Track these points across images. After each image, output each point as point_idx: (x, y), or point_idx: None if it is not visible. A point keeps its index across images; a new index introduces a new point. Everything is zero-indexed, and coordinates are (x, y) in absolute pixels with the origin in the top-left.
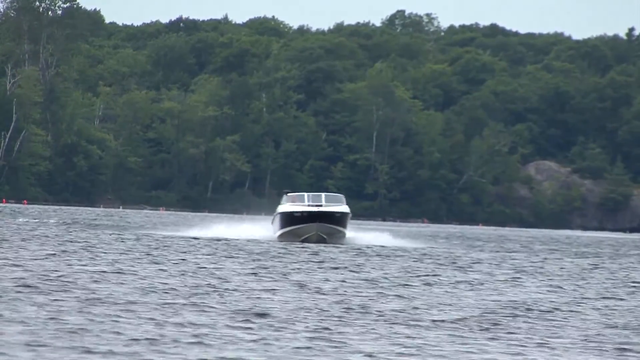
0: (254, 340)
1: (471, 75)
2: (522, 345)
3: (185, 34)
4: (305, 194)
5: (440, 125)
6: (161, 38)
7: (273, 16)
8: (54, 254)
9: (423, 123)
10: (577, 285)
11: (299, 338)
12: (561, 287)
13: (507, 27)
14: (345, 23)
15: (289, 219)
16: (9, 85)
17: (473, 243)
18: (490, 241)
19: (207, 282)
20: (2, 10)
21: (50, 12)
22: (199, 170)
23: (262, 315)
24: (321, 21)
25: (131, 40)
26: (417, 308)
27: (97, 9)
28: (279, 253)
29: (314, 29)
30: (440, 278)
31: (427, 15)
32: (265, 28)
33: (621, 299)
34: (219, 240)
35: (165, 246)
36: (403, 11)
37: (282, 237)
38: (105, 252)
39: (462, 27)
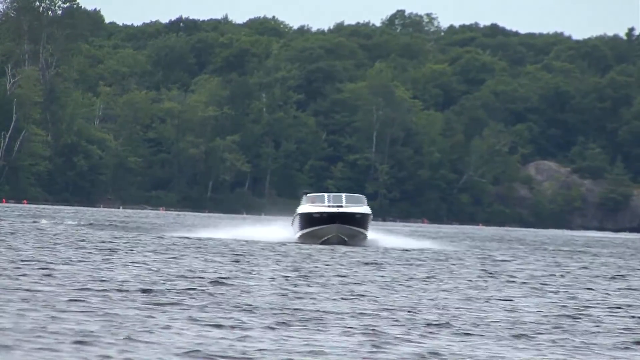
0: None
1: (471, 75)
2: None
3: (185, 34)
4: (326, 195)
5: (440, 125)
6: (161, 38)
7: (273, 16)
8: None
9: (423, 123)
10: None
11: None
12: None
13: (507, 27)
14: (345, 23)
15: (308, 220)
16: (9, 85)
17: (513, 245)
18: (524, 243)
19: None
20: (2, 10)
21: (50, 12)
22: (199, 170)
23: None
24: (321, 21)
25: (131, 40)
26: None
27: (97, 9)
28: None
29: (314, 29)
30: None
31: (427, 15)
32: (265, 28)
33: None
34: (257, 242)
35: (238, 252)
36: (403, 11)
37: (302, 239)
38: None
39: (462, 27)
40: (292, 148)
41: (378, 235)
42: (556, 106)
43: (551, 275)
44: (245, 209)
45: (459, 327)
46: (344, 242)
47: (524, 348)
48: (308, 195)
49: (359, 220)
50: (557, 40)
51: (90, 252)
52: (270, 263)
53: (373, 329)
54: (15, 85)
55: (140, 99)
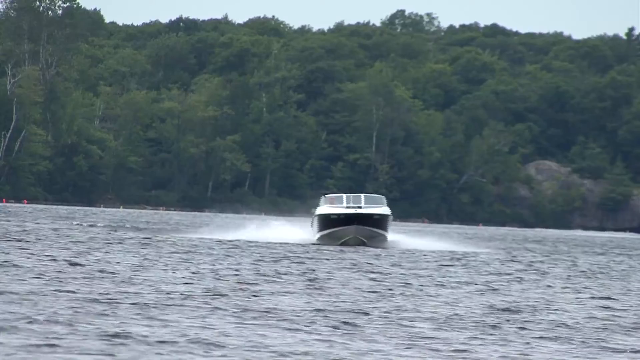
0: None
1: (471, 75)
2: None
3: (185, 34)
4: (344, 195)
5: (440, 125)
6: (161, 38)
7: (273, 16)
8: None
9: (423, 123)
10: None
11: None
12: None
13: (507, 27)
14: (345, 23)
15: (326, 221)
16: (9, 85)
17: (557, 248)
18: (556, 243)
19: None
20: (2, 10)
21: (50, 12)
22: (199, 170)
23: None
24: (321, 21)
25: (131, 40)
26: None
27: (97, 9)
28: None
29: (314, 29)
30: None
31: (428, 15)
32: (266, 28)
33: None
34: (283, 243)
35: (282, 255)
36: (403, 11)
37: (321, 240)
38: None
39: (462, 26)
40: (292, 148)
41: (399, 236)
42: (556, 106)
43: None
44: (245, 208)
45: None
46: (363, 244)
47: None
48: (326, 196)
49: (377, 222)
50: (557, 40)
51: (188, 261)
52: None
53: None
54: (15, 85)
55: (140, 99)
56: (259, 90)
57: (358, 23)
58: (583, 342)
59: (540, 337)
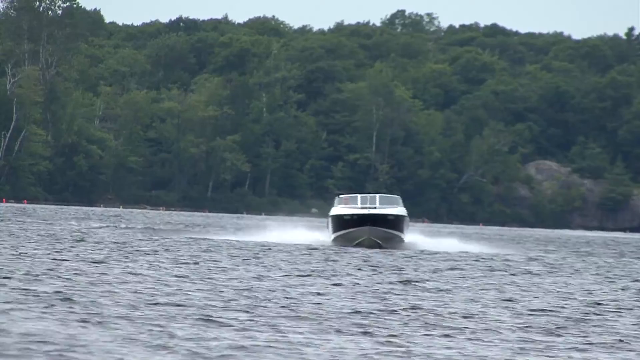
0: None
1: (471, 75)
2: None
3: (185, 34)
4: (359, 196)
5: (440, 125)
6: (161, 38)
7: (273, 16)
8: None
9: (423, 123)
10: None
11: None
12: None
13: (508, 27)
14: (345, 23)
15: (339, 222)
16: (9, 85)
17: (580, 249)
18: (574, 244)
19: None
20: (2, 10)
21: (50, 12)
22: (199, 170)
23: None
24: (321, 21)
25: (131, 40)
26: None
27: (97, 9)
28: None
29: (314, 29)
30: None
31: (428, 15)
32: (266, 28)
33: None
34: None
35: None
36: (403, 11)
37: (335, 242)
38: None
39: (462, 26)
40: (292, 148)
41: (416, 237)
42: (556, 106)
43: None
44: (245, 208)
45: None
46: (377, 246)
47: None
48: (341, 196)
49: (391, 222)
50: (557, 40)
51: (257, 266)
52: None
53: None
54: (15, 85)
55: (140, 99)
56: (259, 90)
57: (358, 23)
58: None
59: None
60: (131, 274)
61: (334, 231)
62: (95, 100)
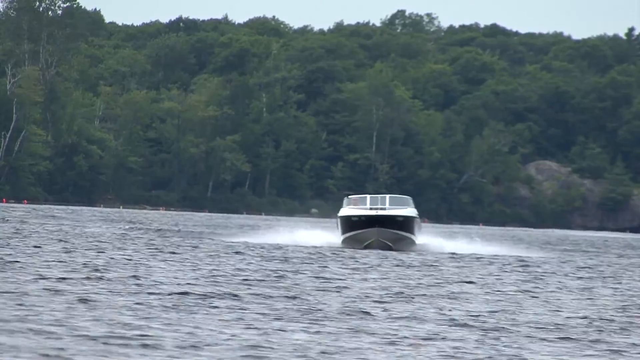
0: None
1: (471, 75)
2: None
3: (185, 34)
4: (368, 196)
5: (440, 125)
6: (161, 38)
7: (273, 16)
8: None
9: (423, 123)
10: None
11: None
12: None
13: (507, 27)
14: (345, 23)
15: (348, 223)
16: (9, 85)
17: (608, 250)
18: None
19: None
20: (2, 10)
21: (50, 12)
22: (199, 170)
23: None
24: (321, 21)
25: (131, 40)
26: None
27: (97, 9)
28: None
29: (314, 29)
30: None
31: (428, 15)
32: (266, 28)
33: None
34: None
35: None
36: (404, 11)
37: (345, 243)
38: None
39: (462, 26)
40: (292, 148)
41: (429, 238)
42: (556, 106)
43: None
44: (245, 208)
45: None
46: (388, 247)
47: None
48: (350, 197)
49: (401, 224)
50: (557, 40)
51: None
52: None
53: None
54: (15, 85)
55: (140, 99)
56: (259, 90)
57: (358, 23)
58: None
59: None
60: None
61: (343, 232)
62: (95, 100)
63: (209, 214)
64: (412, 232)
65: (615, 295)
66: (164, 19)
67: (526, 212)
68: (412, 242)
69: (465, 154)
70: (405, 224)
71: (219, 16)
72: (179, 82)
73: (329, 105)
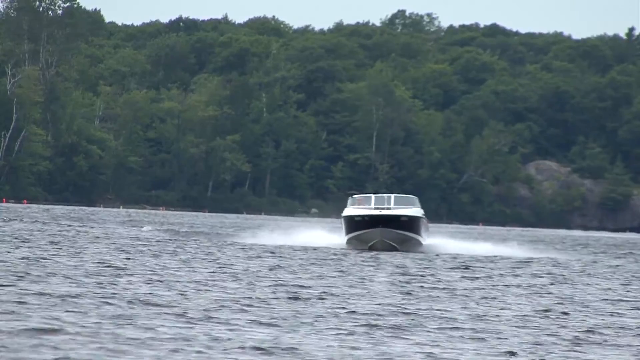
0: None
1: (471, 75)
2: None
3: (185, 34)
4: (373, 196)
5: (440, 125)
6: (161, 38)
7: (273, 16)
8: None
9: (423, 123)
10: None
11: None
12: None
13: (508, 27)
14: (345, 23)
15: (351, 223)
16: (9, 85)
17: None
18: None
19: None
20: (2, 10)
21: (50, 12)
22: (199, 170)
23: None
24: (321, 21)
25: (131, 40)
26: None
27: (97, 9)
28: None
29: (314, 28)
30: None
31: (428, 15)
32: (266, 28)
33: None
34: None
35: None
36: (404, 11)
37: (349, 244)
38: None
39: (462, 26)
40: (292, 148)
41: (437, 239)
42: (556, 106)
43: None
44: (245, 208)
45: None
46: (393, 248)
47: None
48: (354, 196)
49: (405, 224)
50: (557, 40)
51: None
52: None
53: None
54: (15, 85)
55: (140, 99)
56: (259, 90)
57: (358, 23)
58: None
59: None
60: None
61: (347, 233)
62: (95, 100)
63: (211, 213)
64: (417, 233)
65: None
66: (164, 19)
67: (526, 212)
68: (419, 243)
69: (465, 154)
70: (410, 224)
71: (219, 16)
72: (179, 82)
73: (329, 105)
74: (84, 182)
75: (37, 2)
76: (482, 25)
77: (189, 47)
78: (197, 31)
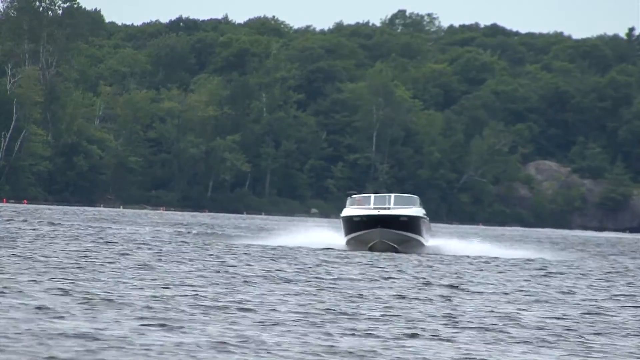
0: None
1: (471, 75)
2: None
3: (185, 34)
4: (372, 196)
5: (440, 125)
6: (161, 38)
7: (273, 16)
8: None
9: (423, 123)
10: None
11: None
12: None
13: (508, 27)
14: (345, 23)
15: (350, 224)
16: (9, 85)
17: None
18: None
19: None
20: (2, 10)
21: (50, 12)
22: (199, 170)
23: None
24: (321, 21)
25: (131, 40)
26: None
27: (97, 9)
28: None
29: (315, 29)
30: None
31: (428, 15)
32: (266, 28)
33: None
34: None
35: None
36: (404, 11)
37: (348, 245)
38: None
39: (462, 26)
40: (292, 148)
41: (442, 240)
42: (556, 106)
43: None
44: (245, 208)
45: None
46: (393, 250)
47: None
48: (353, 196)
49: (405, 225)
50: (557, 40)
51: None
52: None
53: None
54: (15, 85)
55: (140, 99)
56: (259, 90)
57: (358, 23)
58: None
59: None
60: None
61: (346, 234)
62: (95, 100)
63: (212, 213)
64: (418, 233)
65: None
66: (164, 19)
67: (526, 212)
68: (420, 244)
69: (465, 154)
70: (409, 224)
71: (219, 16)
72: (179, 82)
73: (329, 105)
74: (84, 182)
75: (37, 2)
76: (482, 25)
77: (189, 47)
78: (197, 31)
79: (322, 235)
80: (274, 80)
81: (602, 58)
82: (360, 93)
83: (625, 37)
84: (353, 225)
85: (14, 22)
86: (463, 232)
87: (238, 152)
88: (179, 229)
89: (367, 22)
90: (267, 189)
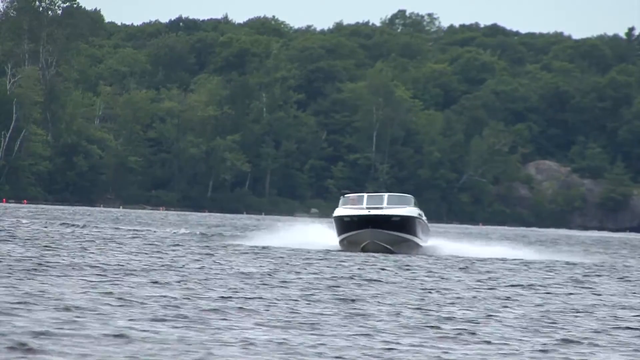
0: None
1: (471, 75)
2: None
3: (185, 34)
4: (365, 195)
5: (440, 125)
6: (161, 38)
7: (273, 16)
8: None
9: (423, 123)
10: None
11: None
12: None
13: (508, 27)
14: (345, 23)
15: (341, 224)
16: (9, 85)
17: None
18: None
19: None
20: (2, 10)
21: (50, 12)
22: (199, 170)
23: None
24: (321, 21)
25: (131, 39)
26: None
27: (97, 9)
28: None
29: (315, 29)
30: None
31: (429, 15)
32: (266, 28)
33: None
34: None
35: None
36: (404, 11)
37: (341, 245)
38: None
39: (462, 26)
40: (292, 148)
41: (439, 241)
42: (556, 106)
43: None
44: (245, 208)
45: None
46: (387, 251)
47: None
48: (346, 195)
49: (398, 225)
50: (557, 40)
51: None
52: None
53: None
54: (15, 85)
55: (140, 99)
56: (259, 90)
57: (358, 23)
58: None
59: None
60: None
61: (338, 234)
62: (95, 100)
63: (213, 213)
64: (413, 234)
65: None
66: (164, 19)
67: (526, 212)
68: (415, 245)
69: (465, 153)
70: (402, 224)
71: (219, 16)
72: (179, 82)
73: (329, 105)
74: (84, 182)
75: (37, 2)
76: (482, 25)
77: (189, 47)
78: (197, 31)
79: (316, 234)
80: (274, 80)
81: (602, 58)
82: (360, 93)
83: (625, 37)
84: (344, 225)
85: (14, 22)
86: (462, 231)
87: (238, 152)
88: (212, 230)
89: (367, 22)
90: (267, 189)
